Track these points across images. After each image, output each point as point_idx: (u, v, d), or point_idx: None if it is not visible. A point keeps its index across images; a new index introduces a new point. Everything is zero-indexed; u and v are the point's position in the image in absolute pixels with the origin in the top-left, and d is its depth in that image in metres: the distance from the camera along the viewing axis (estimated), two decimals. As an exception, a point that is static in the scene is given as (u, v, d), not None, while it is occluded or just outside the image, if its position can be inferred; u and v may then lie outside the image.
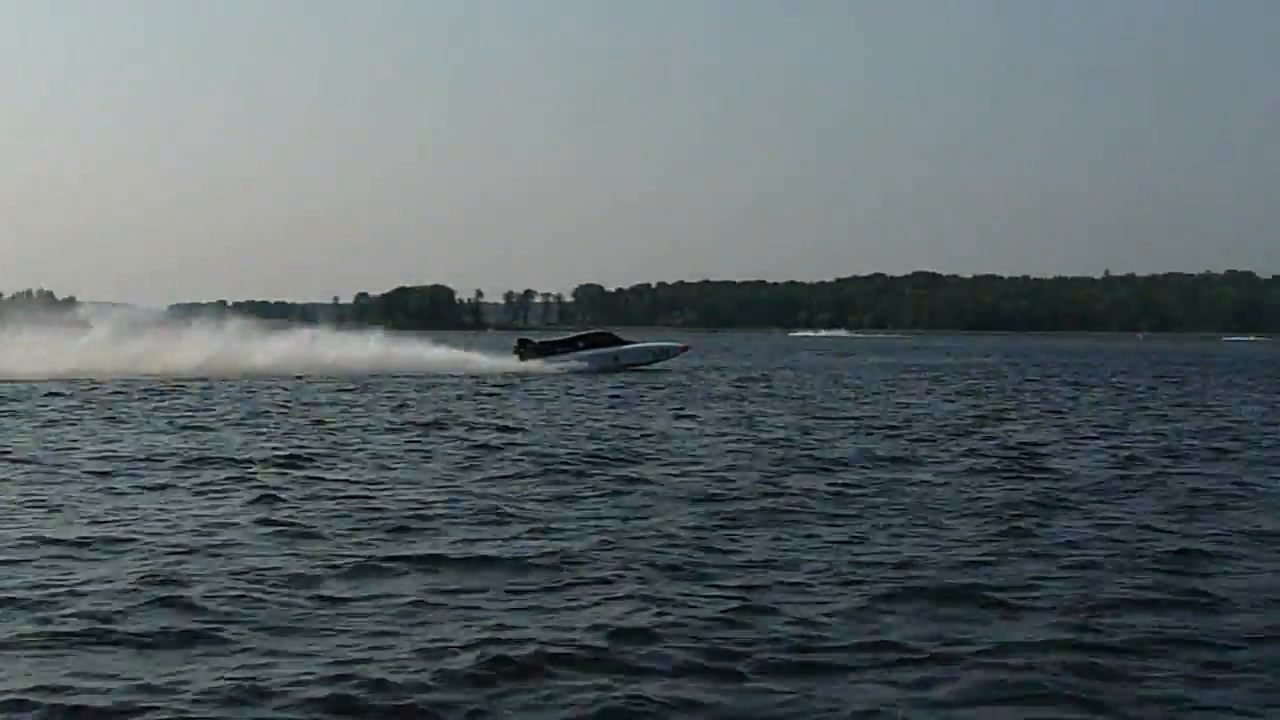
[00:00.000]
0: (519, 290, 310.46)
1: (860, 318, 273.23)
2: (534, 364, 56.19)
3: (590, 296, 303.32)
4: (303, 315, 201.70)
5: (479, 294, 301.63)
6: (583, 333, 64.27)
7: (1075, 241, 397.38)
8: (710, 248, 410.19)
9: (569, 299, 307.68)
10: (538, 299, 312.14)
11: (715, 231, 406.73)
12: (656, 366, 59.73)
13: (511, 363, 56.90)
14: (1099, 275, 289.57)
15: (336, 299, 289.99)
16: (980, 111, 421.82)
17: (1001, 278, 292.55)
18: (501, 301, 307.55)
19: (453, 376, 51.34)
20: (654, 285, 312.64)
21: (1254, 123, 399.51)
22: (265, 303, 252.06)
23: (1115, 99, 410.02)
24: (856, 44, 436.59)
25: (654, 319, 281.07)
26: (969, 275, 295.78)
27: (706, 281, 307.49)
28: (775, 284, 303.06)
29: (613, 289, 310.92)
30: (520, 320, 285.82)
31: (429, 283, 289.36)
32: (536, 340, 60.34)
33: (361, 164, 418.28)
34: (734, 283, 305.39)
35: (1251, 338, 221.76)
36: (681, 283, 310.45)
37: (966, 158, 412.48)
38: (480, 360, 56.97)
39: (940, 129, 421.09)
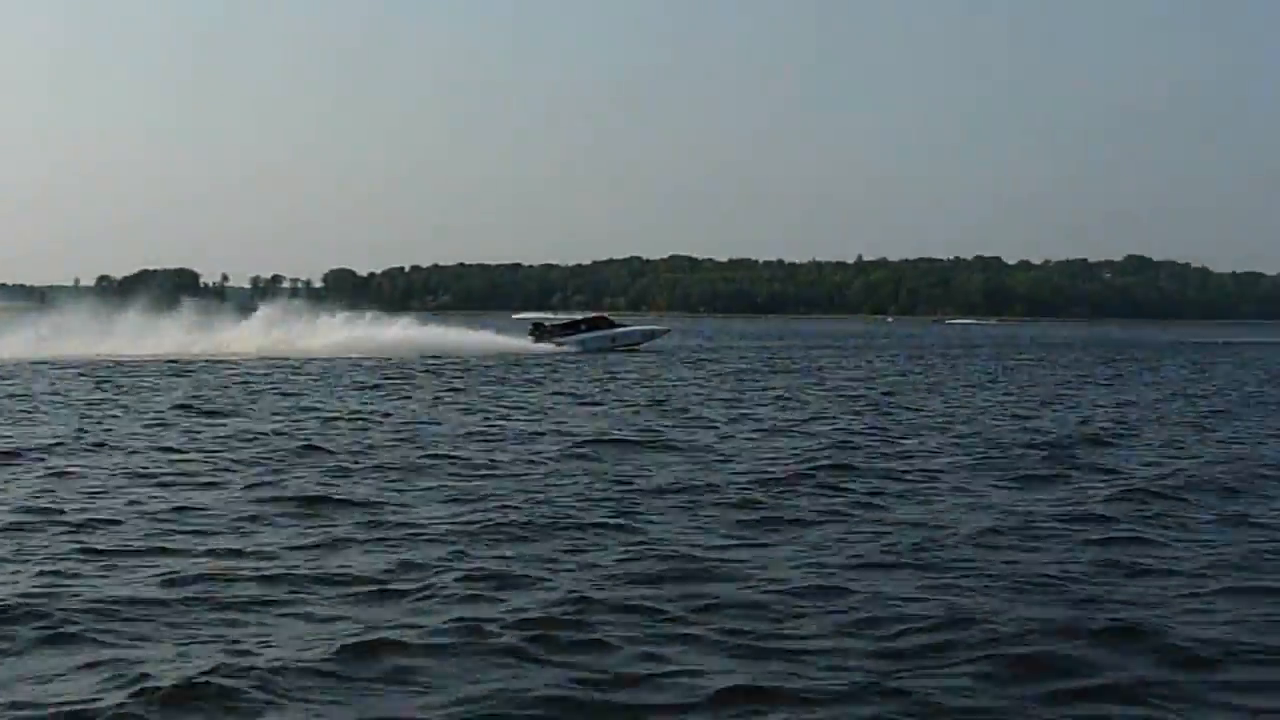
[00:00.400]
0: (266, 275, 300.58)
1: (615, 300, 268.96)
2: (548, 345, 61.63)
3: (341, 281, 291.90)
4: (42, 299, 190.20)
5: (224, 278, 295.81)
6: (584, 317, 71.13)
7: (830, 228, 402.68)
8: (467, 232, 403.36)
9: (318, 284, 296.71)
10: (285, 283, 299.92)
11: (471, 216, 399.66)
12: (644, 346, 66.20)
13: (530, 344, 61.78)
14: (852, 260, 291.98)
15: (78, 281, 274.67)
16: (743, 101, 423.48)
17: (756, 262, 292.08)
18: (248, 286, 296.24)
19: (486, 356, 55.47)
20: (407, 269, 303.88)
21: (1000, 121, 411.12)
22: (4, 285, 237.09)
23: (845, 93, 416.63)
24: (617, 30, 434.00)
25: (408, 303, 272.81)
26: (725, 259, 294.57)
27: (462, 265, 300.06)
28: (531, 267, 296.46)
29: (364, 273, 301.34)
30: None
31: (172, 266, 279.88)
32: (547, 324, 67.34)
33: (101, 144, 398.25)
34: (489, 265, 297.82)
35: (971, 320, 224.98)
36: (437, 266, 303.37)
37: (726, 146, 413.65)
38: (507, 342, 61.85)
39: (705, 115, 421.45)
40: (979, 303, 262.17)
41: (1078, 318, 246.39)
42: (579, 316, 73.10)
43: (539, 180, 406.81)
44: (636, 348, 64.75)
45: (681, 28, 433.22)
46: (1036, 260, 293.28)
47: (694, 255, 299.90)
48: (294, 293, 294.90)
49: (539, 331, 63.89)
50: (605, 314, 76.80)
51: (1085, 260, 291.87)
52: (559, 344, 61.55)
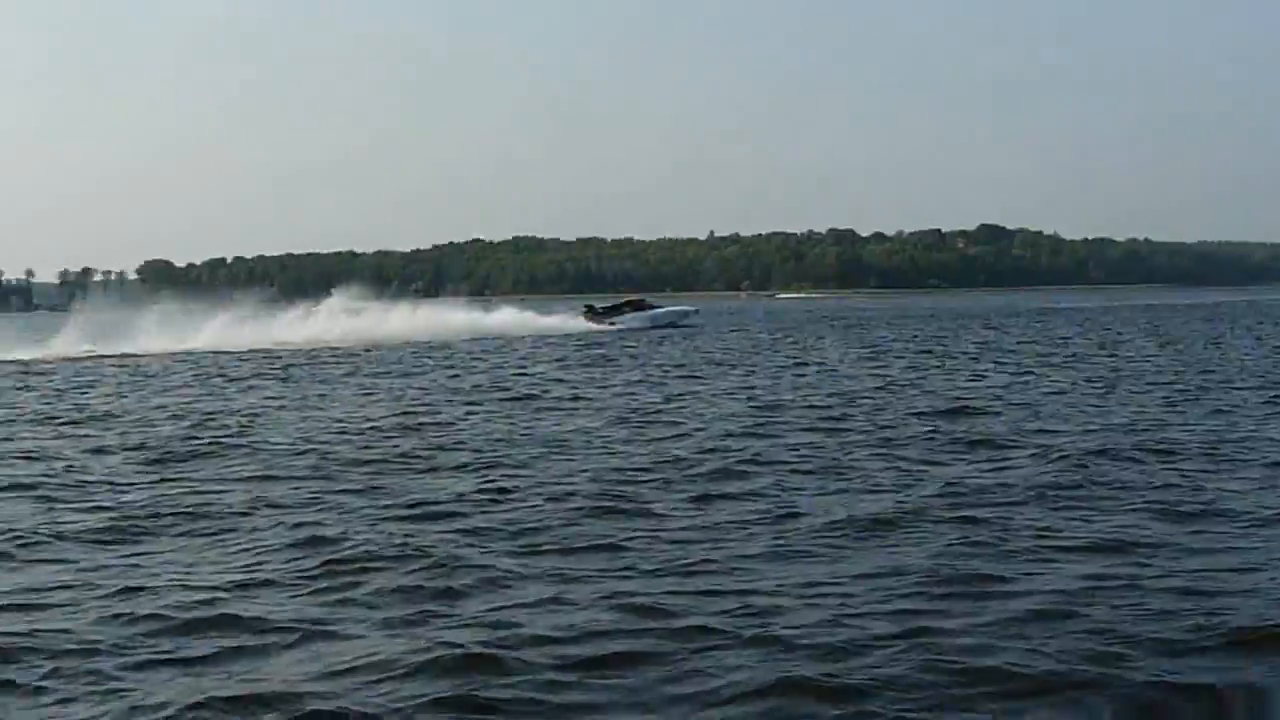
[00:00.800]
0: (76, 268, 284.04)
1: (457, 285, 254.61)
2: (602, 324, 70.01)
3: (158, 272, 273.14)
4: None
5: (29, 274, 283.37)
6: (627, 299, 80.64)
7: (681, 204, 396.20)
8: (292, 220, 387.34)
9: (133, 276, 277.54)
10: (98, 277, 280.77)
11: (297, 203, 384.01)
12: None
13: (585, 324, 70.24)
14: (704, 236, 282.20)
15: None
16: (571, 81, 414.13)
17: (605, 240, 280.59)
18: (56, 281, 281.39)
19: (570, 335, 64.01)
20: (230, 260, 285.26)
21: (852, 92, 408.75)
22: None
23: (708, 69, 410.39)
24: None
25: (232, 294, 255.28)
26: (572, 239, 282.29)
27: (290, 254, 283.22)
28: (365, 254, 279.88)
29: (183, 264, 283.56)
30: (80, 299, 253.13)
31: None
32: (599, 307, 74.44)
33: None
34: (320, 254, 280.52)
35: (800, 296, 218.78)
36: (262, 256, 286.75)
37: (564, 126, 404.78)
38: (577, 322, 70.58)
39: (534, 91, 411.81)
40: (833, 276, 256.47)
41: (933, 289, 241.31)
42: (622, 300, 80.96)
43: (369, 164, 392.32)
44: (676, 326, 73.20)
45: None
46: (890, 232, 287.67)
47: (539, 235, 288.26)
48: (106, 286, 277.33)
49: (591, 313, 72.56)
50: (643, 297, 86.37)
51: (939, 231, 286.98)
52: (611, 324, 70.19)
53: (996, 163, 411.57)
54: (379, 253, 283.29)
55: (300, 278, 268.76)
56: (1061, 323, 75.08)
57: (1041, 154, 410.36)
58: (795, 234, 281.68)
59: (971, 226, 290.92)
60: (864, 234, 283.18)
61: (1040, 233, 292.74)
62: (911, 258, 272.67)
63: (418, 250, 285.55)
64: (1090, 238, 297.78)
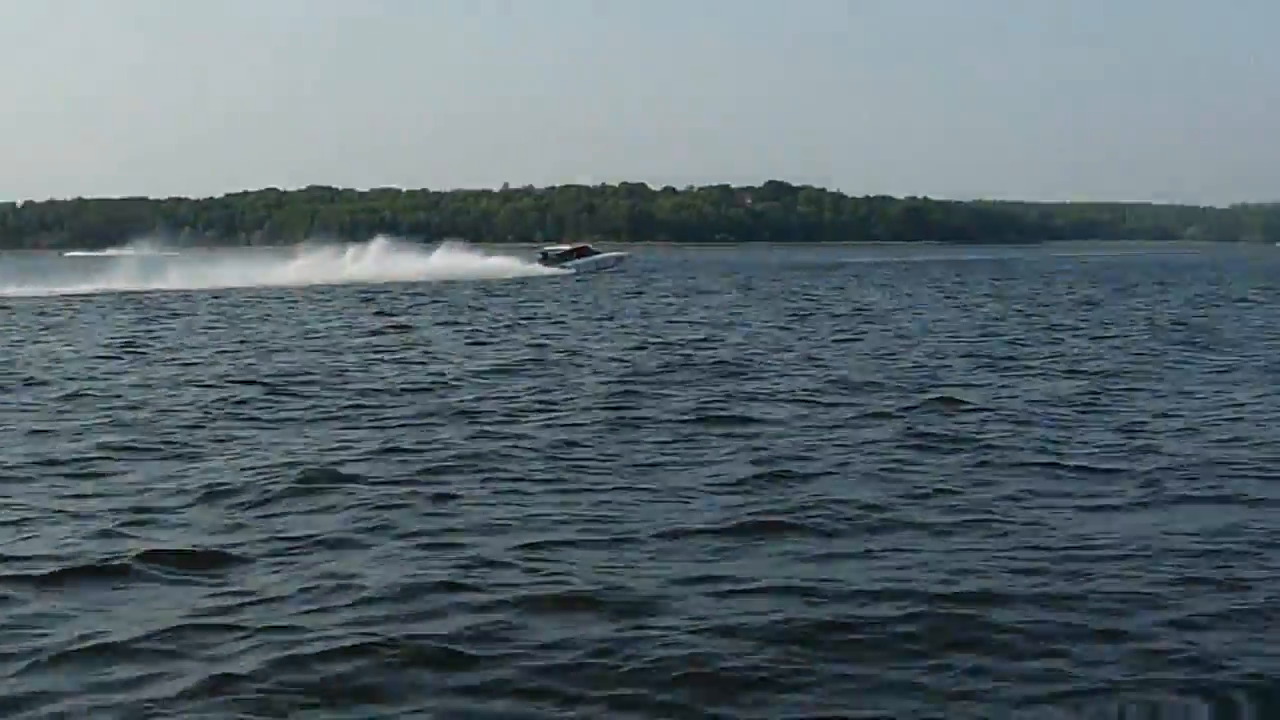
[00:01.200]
0: None
1: (250, 234, 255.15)
2: (555, 269, 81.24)
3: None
4: None
5: None
6: (575, 246, 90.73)
7: (475, 158, 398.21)
8: (81, 167, 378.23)
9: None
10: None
11: (87, 151, 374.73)
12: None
13: (543, 268, 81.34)
14: (498, 188, 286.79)
15: None
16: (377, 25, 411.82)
17: (400, 191, 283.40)
18: None
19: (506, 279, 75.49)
20: (20, 204, 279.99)
21: (631, 49, 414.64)
22: None
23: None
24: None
25: (21, 240, 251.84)
26: (367, 189, 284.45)
27: (81, 199, 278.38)
28: (158, 200, 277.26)
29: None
30: None
31: None
32: (552, 253, 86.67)
33: None
34: (112, 200, 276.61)
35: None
36: (53, 201, 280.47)
37: (355, 74, 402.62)
38: (533, 267, 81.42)
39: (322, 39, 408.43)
40: (624, 229, 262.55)
41: (721, 243, 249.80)
42: (568, 247, 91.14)
43: (158, 114, 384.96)
44: (613, 268, 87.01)
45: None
46: (681, 187, 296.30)
47: (334, 185, 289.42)
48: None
49: (546, 258, 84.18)
50: (587, 244, 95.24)
51: (728, 186, 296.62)
52: (563, 268, 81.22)
53: (783, 121, 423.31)
54: (173, 199, 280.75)
55: (90, 223, 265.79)
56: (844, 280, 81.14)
57: (827, 115, 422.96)
58: (588, 186, 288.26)
59: (759, 184, 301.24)
60: (655, 188, 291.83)
61: (824, 190, 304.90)
62: (700, 212, 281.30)
63: (211, 198, 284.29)
64: (872, 195, 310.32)
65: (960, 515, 12.18)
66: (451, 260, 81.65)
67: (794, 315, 43.95)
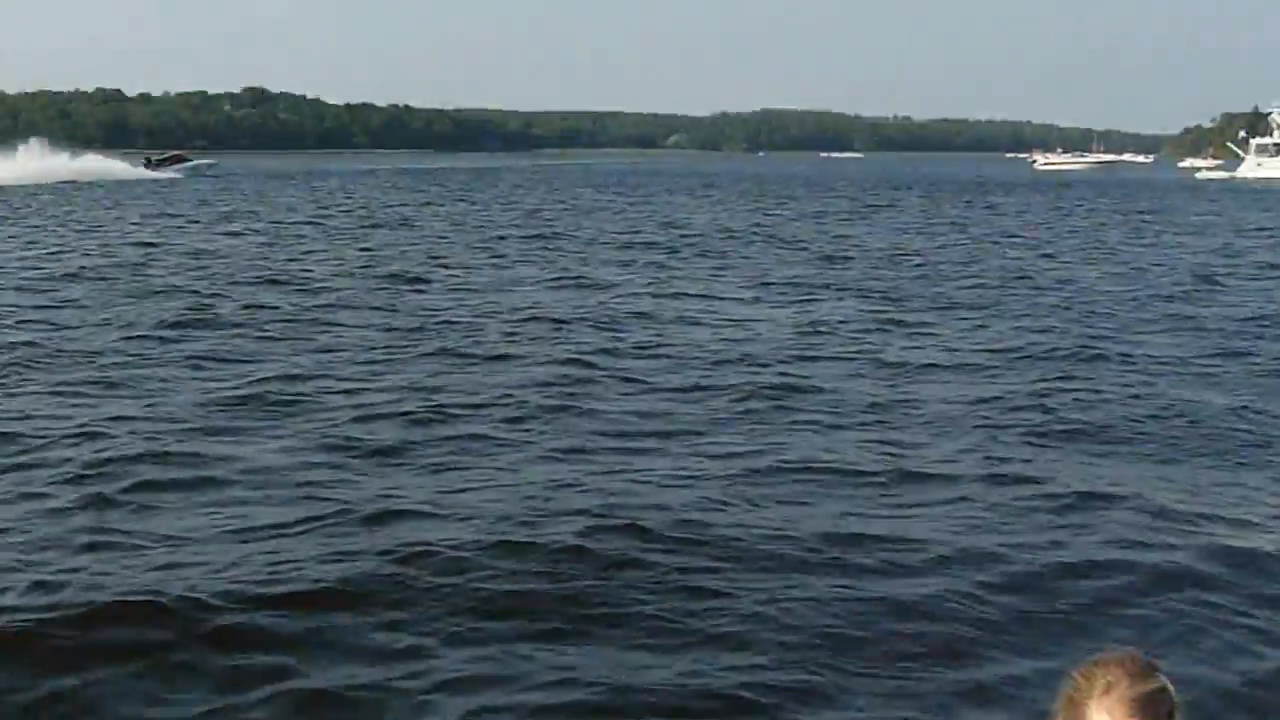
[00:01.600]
0: None
1: None
2: (162, 173, 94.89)
3: None
4: None
5: None
6: (172, 154, 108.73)
7: None
8: None
9: None
10: None
11: None
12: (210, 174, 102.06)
13: (148, 171, 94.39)
14: None
15: None
16: None
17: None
18: None
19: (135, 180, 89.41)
20: None
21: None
22: None
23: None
24: None
25: None
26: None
27: None
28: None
29: None
30: None
31: None
32: (156, 159, 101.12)
33: None
34: None
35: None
36: None
37: None
38: (129, 168, 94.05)
39: None
40: (100, 137, 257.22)
41: (199, 150, 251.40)
42: (169, 154, 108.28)
43: None
44: (206, 174, 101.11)
45: None
46: (157, 93, 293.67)
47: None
48: None
49: (150, 164, 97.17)
50: (183, 153, 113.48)
51: (205, 93, 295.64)
52: (167, 172, 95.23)
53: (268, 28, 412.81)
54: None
55: None
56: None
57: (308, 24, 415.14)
58: (63, 93, 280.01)
59: (237, 89, 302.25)
60: (131, 94, 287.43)
61: (304, 97, 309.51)
62: (178, 118, 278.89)
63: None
64: (354, 103, 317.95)
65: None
66: (50, 162, 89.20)
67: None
